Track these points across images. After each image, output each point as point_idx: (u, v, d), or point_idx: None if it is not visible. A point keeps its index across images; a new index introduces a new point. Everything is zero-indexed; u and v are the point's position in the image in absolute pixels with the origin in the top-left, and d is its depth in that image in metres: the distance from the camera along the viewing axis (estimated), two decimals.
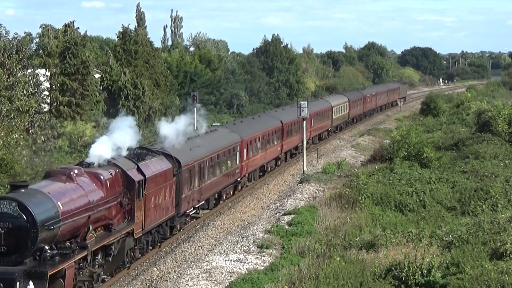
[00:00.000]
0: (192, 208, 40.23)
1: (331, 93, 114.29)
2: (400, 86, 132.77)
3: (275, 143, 59.23)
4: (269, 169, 58.42)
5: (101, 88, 66.98)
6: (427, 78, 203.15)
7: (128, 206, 31.01)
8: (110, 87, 67.71)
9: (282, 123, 61.27)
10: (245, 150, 50.21)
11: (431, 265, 26.53)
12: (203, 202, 42.44)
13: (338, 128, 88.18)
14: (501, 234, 30.63)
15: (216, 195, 45.73)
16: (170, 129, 38.07)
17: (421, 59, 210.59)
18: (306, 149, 62.82)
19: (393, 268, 26.89)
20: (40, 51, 61.96)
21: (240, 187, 50.85)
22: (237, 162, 48.77)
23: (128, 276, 32.78)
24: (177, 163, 36.67)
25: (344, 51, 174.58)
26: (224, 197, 47.34)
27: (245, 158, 50.26)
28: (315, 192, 48.86)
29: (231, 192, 49.24)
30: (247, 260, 32.75)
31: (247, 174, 51.85)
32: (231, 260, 32.69)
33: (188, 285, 29.39)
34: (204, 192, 41.85)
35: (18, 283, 23.96)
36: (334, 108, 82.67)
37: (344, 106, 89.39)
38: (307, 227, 37.56)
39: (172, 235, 38.25)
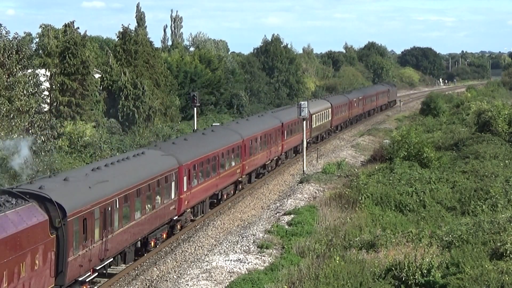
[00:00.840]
0: (90, 272, 28.89)
1: (331, 93, 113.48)
2: (389, 89, 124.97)
3: (233, 164, 48.40)
4: (224, 196, 47.97)
5: (101, 88, 66.97)
6: (427, 78, 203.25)
7: None
8: (110, 87, 67.71)
9: (243, 139, 50.90)
10: (185, 178, 39.53)
11: (431, 265, 26.54)
12: (112, 258, 31.29)
13: (319, 138, 78.19)
14: (501, 234, 30.64)
15: (139, 243, 34.77)
16: None
17: (421, 59, 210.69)
18: (269, 172, 57.89)
19: (393, 268, 26.91)
20: (40, 51, 61.94)
21: (179, 227, 40.19)
22: (173, 196, 37.82)
23: (128, 276, 32.79)
24: (60, 211, 25.87)
25: (344, 51, 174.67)
26: (152, 244, 36.04)
27: (185, 189, 39.47)
28: (315, 192, 48.87)
29: (164, 236, 37.84)
30: (247, 260, 32.76)
31: (189, 209, 41.35)
32: (231, 260, 32.70)
33: (188, 285, 29.39)
34: (113, 244, 30.67)
35: None
36: (313, 116, 72.65)
37: (326, 113, 79.40)
38: (307, 227, 37.59)
39: None
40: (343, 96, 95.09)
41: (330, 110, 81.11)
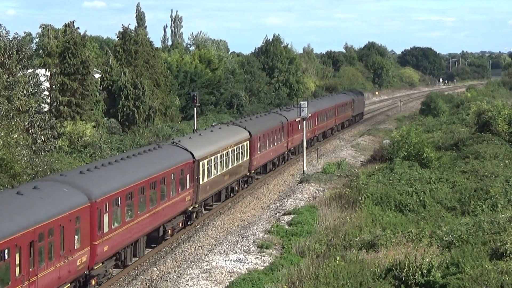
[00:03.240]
0: None
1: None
2: (354, 98, 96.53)
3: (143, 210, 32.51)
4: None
5: (101, 88, 66.93)
6: (427, 78, 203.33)
7: None
8: (110, 87, 67.68)
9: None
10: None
11: (431, 265, 26.55)
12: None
13: (222, 197, 46.81)
14: (501, 234, 30.65)
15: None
16: None
17: (421, 59, 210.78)
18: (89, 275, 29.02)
19: (393, 268, 26.90)
20: (40, 51, 61.91)
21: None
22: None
23: (128, 276, 32.78)
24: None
25: (344, 51, 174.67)
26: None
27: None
28: (315, 192, 48.88)
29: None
30: (247, 260, 32.77)
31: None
32: (231, 260, 32.71)
33: (188, 285, 29.40)
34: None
35: None
36: (203, 163, 41.73)
37: (238, 150, 48.29)
38: (307, 227, 37.60)
39: None
40: (277, 115, 62.44)
41: (247, 144, 50.35)
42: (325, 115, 78.62)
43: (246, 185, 52.29)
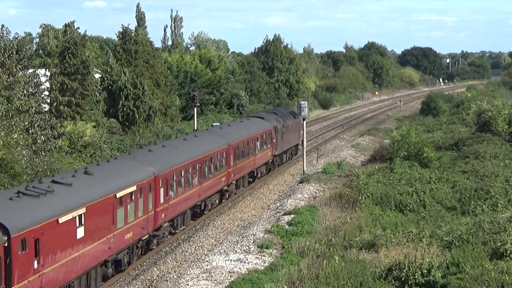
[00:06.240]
0: None
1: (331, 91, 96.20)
2: (277, 126, 58.37)
3: None
4: None
5: (101, 88, 66.84)
6: (427, 78, 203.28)
7: None
8: (110, 87, 67.60)
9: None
10: None
11: (431, 265, 26.54)
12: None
13: None
14: (501, 234, 30.65)
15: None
16: None
17: (421, 59, 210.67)
18: None
19: (393, 268, 26.90)
20: (40, 51, 61.81)
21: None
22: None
23: (128, 276, 32.78)
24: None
25: (344, 51, 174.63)
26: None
27: None
28: (315, 192, 48.87)
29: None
30: (247, 260, 32.77)
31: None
32: (231, 260, 32.71)
33: (188, 285, 29.40)
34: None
35: None
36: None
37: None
38: (307, 227, 37.61)
39: None
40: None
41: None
42: (209, 166, 43.58)
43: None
